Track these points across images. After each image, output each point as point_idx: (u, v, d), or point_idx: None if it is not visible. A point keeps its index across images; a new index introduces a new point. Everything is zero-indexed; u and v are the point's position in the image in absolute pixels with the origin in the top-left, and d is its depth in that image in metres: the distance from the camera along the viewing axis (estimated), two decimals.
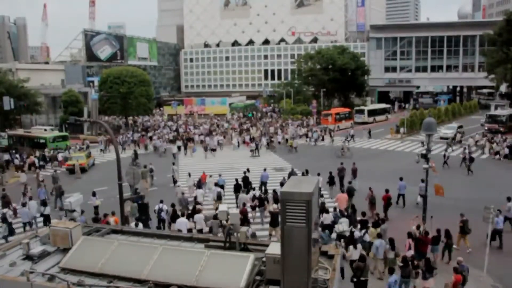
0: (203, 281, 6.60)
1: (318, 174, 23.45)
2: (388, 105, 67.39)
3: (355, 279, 12.50)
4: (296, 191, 5.87)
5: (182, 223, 16.99)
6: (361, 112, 59.97)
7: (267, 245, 7.25)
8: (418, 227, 15.05)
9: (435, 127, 17.36)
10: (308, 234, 5.75)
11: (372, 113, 60.32)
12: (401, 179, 22.20)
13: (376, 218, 16.90)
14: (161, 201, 19.27)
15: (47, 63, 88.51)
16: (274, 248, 6.60)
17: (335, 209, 18.01)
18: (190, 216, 18.15)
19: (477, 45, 73.67)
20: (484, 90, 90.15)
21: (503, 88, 67.77)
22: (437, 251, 15.25)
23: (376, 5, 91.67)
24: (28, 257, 7.82)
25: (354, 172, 25.37)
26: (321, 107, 61.77)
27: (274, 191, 20.78)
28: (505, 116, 46.28)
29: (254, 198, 20.79)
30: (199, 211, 18.27)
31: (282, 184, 21.74)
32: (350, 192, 20.89)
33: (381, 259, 14.38)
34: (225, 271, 6.76)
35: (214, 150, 39.66)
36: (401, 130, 46.77)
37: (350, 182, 22.64)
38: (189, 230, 17.07)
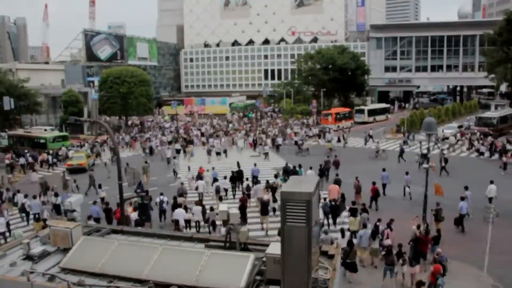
0: (203, 281, 6.59)
1: (311, 168, 24.60)
2: (388, 105, 67.44)
3: (341, 261, 13.02)
4: (296, 191, 5.86)
5: (180, 213, 18.06)
6: (361, 111, 59.98)
7: (267, 245, 7.24)
8: (418, 227, 15.08)
9: (435, 127, 17.44)
10: (308, 234, 5.74)
11: (372, 112, 60.30)
12: (383, 170, 23.67)
13: (362, 207, 18.25)
14: (161, 194, 20.21)
15: (47, 63, 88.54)
16: (274, 248, 6.59)
17: (324, 199, 19.26)
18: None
19: (477, 44, 73.59)
20: (484, 90, 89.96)
21: (503, 87, 67.70)
22: None
23: (376, 5, 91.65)
24: (29, 257, 7.81)
25: (336, 164, 28.08)
26: (321, 107, 61.78)
27: (267, 181, 22.29)
28: (496, 118, 43.08)
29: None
30: (197, 204, 19.29)
31: (276, 176, 23.61)
32: (337, 183, 22.23)
33: (365, 248, 15.15)
34: (225, 271, 6.75)
35: (219, 153, 36.47)
36: (382, 129, 46.00)
37: (337, 175, 24.05)
38: (187, 221, 18.20)
